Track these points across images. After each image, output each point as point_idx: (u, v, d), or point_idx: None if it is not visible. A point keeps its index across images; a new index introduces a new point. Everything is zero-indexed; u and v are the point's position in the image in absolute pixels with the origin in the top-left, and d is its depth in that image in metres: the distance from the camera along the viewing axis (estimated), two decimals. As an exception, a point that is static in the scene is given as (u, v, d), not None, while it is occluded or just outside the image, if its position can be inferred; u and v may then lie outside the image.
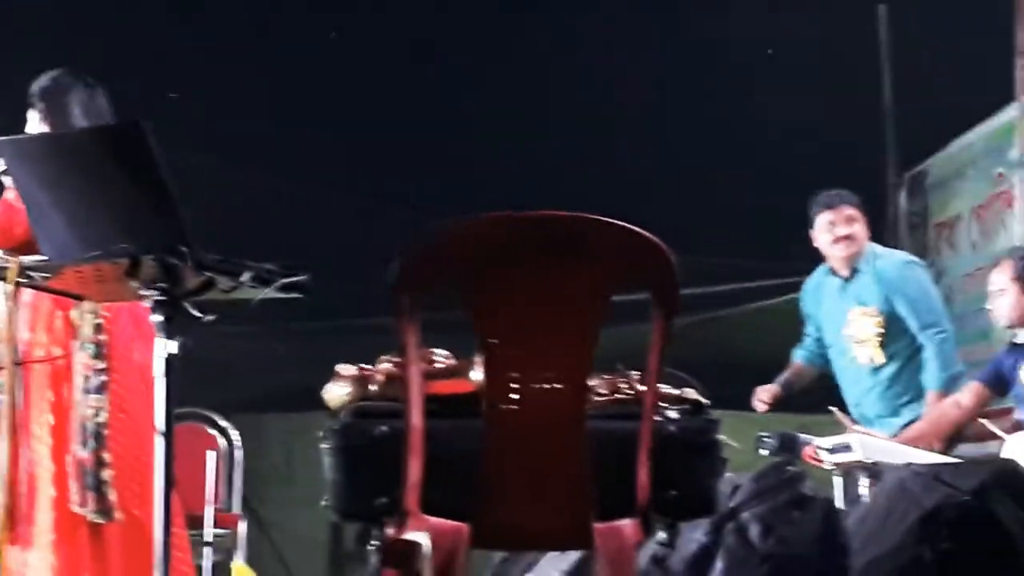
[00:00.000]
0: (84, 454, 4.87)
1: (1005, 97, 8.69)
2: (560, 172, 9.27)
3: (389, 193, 9.66)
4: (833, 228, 6.72)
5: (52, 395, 4.93)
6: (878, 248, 6.90)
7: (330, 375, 3.58)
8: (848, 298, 6.75)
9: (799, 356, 7.05)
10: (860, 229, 6.75)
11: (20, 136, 4.45)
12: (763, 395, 6.83)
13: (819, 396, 7.18)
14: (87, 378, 4.92)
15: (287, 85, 9.52)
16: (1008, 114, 8.77)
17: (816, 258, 7.07)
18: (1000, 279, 6.34)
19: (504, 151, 9.65)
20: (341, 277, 6.86)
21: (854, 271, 6.72)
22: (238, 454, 8.17)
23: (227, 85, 9.20)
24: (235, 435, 8.25)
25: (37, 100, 5.13)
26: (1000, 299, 6.33)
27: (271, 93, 9.49)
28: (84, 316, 4.93)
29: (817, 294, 6.95)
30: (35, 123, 5.11)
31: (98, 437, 4.87)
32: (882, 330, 6.62)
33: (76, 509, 4.83)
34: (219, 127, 8.96)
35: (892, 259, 6.81)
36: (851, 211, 6.75)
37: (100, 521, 4.86)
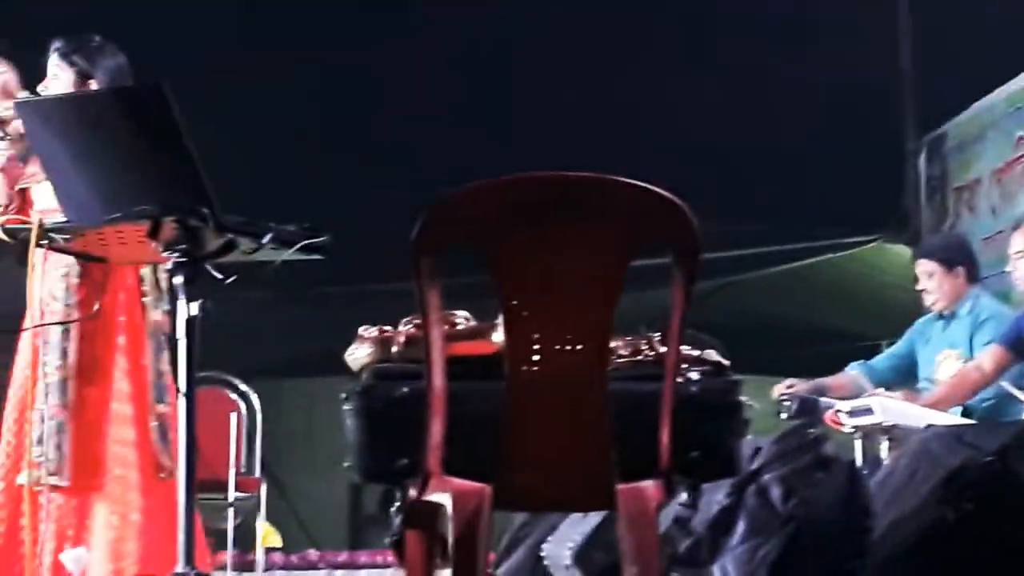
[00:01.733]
0: (163, 409, 4.94)
1: (1025, 60, 8.65)
2: (577, 137, 9.23)
3: (411, 157, 9.65)
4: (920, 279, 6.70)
5: (126, 362, 4.96)
6: (986, 298, 6.75)
7: (349, 340, 3.57)
8: (942, 340, 6.68)
9: (856, 369, 6.82)
10: (935, 283, 6.63)
11: (41, 97, 4.43)
12: (786, 388, 6.60)
13: (839, 360, 7.14)
14: (160, 336, 4.95)
15: (305, 53, 9.49)
16: (1028, 77, 8.73)
17: (834, 223, 7.03)
18: (1020, 242, 6.31)
19: (523, 114, 9.64)
20: (360, 241, 6.85)
21: (952, 314, 6.65)
22: (259, 418, 8.18)
23: (242, 55, 9.17)
24: (255, 399, 8.27)
25: (78, 60, 5.06)
26: (1020, 262, 6.30)
27: (291, 61, 9.45)
28: (157, 273, 4.95)
29: (924, 329, 6.83)
30: (64, 83, 5.05)
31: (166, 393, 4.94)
32: None
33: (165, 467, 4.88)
34: (236, 98, 8.94)
35: (997, 312, 6.64)
36: (926, 265, 6.70)
37: (166, 478, 4.90)
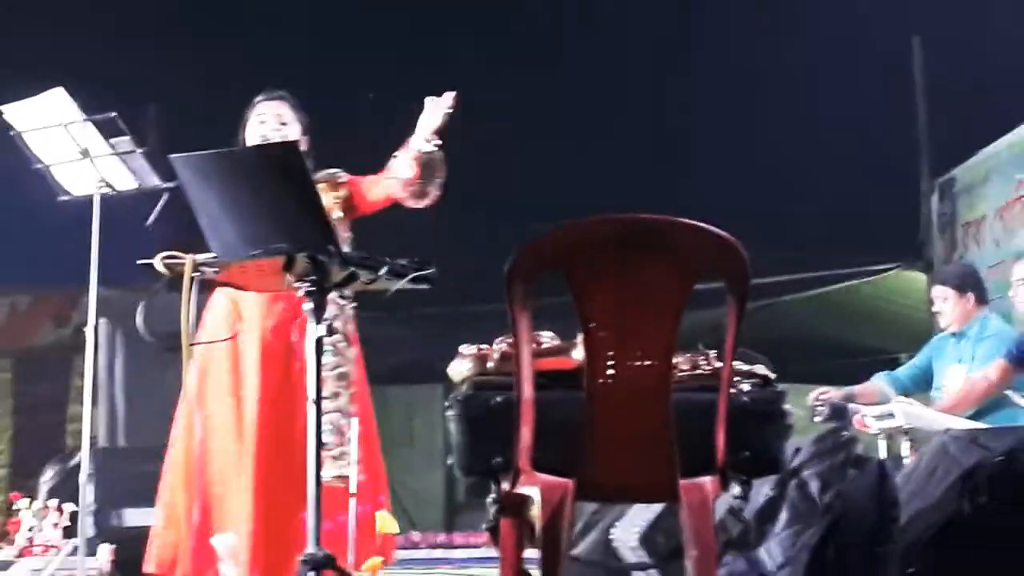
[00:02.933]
0: None
1: (1025, 112, 8.61)
2: (639, 177, 9.25)
3: (499, 200, 9.68)
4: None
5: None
6: (994, 319, 6.56)
7: (444, 354, 3.59)
8: (953, 355, 6.55)
9: (881, 378, 6.65)
10: (948, 306, 6.48)
11: (195, 153, 4.47)
12: (819, 396, 6.52)
13: (864, 371, 7.11)
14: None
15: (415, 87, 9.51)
16: (1027, 127, 8.68)
17: (859, 253, 7.00)
18: (1021, 270, 6.27)
19: (590, 160, 9.66)
20: (456, 268, 6.87)
21: (963, 333, 6.48)
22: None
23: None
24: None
25: (301, 115, 5.04)
26: (1021, 288, 6.26)
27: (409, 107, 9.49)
28: None
29: (940, 345, 6.67)
30: (295, 132, 4.98)
31: None
32: None
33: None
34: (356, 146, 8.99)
35: (999, 330, 6.47)
36: (941, 290, 6.55)
37: None
